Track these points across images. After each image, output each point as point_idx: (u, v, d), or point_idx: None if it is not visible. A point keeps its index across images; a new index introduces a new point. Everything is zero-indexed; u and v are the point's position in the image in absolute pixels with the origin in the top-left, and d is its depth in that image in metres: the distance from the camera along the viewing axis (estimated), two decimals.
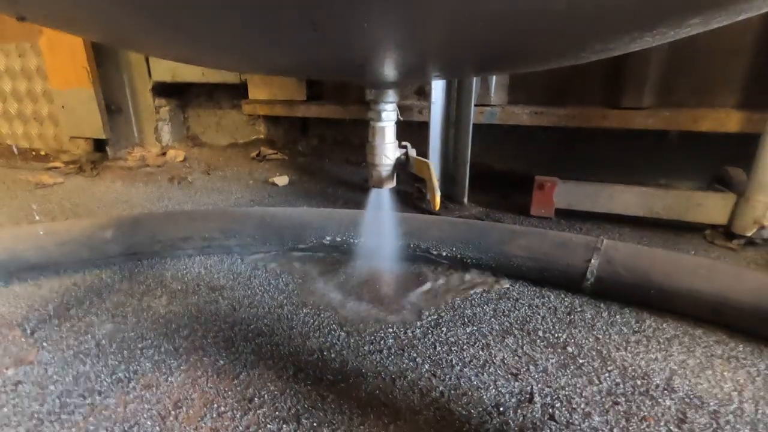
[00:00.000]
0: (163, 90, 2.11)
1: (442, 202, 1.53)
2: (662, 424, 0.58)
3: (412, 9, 0.36)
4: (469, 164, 1.47)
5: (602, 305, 0.87)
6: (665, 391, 0.64)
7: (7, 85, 2.18)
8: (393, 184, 0.75)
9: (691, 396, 0.63)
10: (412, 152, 0.74)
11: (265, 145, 2.15)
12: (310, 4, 0.35)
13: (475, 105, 1.43)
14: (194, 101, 2.24)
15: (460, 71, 0.60)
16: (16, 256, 0.96)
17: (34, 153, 2.21)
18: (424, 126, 1.44)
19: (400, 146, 0.74)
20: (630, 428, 0.58)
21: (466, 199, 1.50)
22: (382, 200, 1.04)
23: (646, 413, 0.60)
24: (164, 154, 2.08)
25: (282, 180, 1.79)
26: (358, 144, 1.98)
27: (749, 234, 1.15)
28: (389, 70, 0.49)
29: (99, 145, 2.10)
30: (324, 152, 2.07)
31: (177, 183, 1.80)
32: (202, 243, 1.07)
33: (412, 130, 1.72)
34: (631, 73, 1.36)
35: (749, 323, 0.76)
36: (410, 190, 1.60)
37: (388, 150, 0.70)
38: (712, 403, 0.62)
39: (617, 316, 0.83)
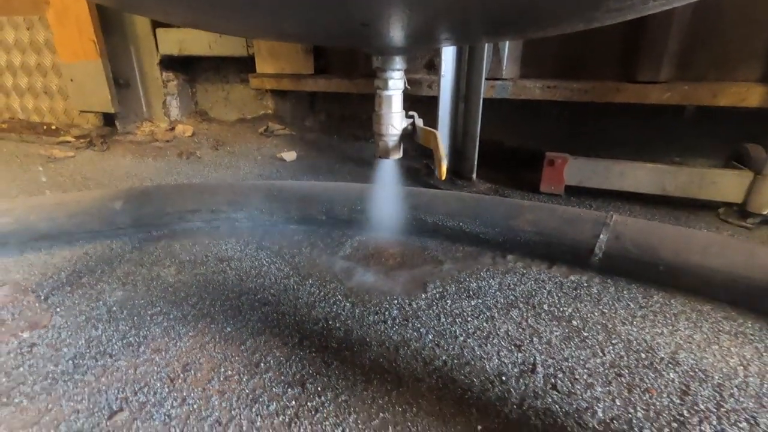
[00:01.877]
0: (170, 64, 2.10)
1: (450, 177, 1.52)
2: (665, 395, 0.58)
3: None
4: (478, 140, 1.44)
5: (609, 281, 0.86)
6: (669, 365, 0.64)
7: (17, 58, 2.18)
8: (399, 154, 0.74)
9: (696, 369, 0.63)
10: (419, 122, 0.73)
11: (273, 120, 2.13)
12: None
13: (486, 78, 1.40)
14: (202, 75, 2.22)
15: (469, 33, 0.58)
16: (29, 227, 0.97)
17: (45, 127, 2.23)
18: (434, 101, 1.41)
19: (407, 116, 0.73)
20: (632, 399, 0.58)
21: (474, 175, 1.49)
22: (389, 174, 1.03)
23: (649, 385, 0.60)
24: (173, 129, 2.08)
25: (290, 155, 1.79)
26: (365, 119, 1.95)
27: (766, 212, 1.12)
28: (395, 32, 0.47)
29: (108, 120, 2.11)
30: (332, 128, 2.05)
31: (186, 158, 1.81)
32: (210, 215, 1.07)
33: (421, 105, 1.69)
34: (648, 45, 1.31)
35: (760, 300, 0.75)
36: (418, 166, 1.58)
37: (395, 119, 0.69)
38: (716, 377, 0.62)
39: (624, 292, 0.83)
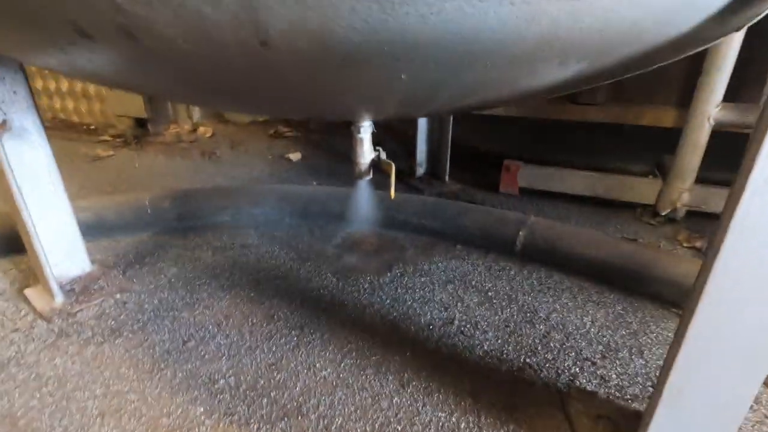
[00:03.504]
0: None
1: (427, 178, 1.84)
2: (530, 338, 0.92)
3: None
4: (449, 147, 1.75)
5: (526, 265, 1.19)
6: (542, 320, 0.97)
7: None
8: (369, 176, 1.06)
9: (559, 324, 0.96)
10: (383, 155, 1.04)
11: (281, 123, 2.45)
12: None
13: None
14: None
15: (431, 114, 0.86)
16: (102, 219, 1.32)
17: (84, 127, 2.57)
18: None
19: (375, 149, 1.04)
20: (509, 339, 0.91)
21: (447, 177, 1.80)
22: (371, 181, 1.36)
23: (524, 333, 0.93)
24: (195, 130, 2.41)
25: (295, 156, 2.11)
26: None
27: (664, 213, 1.43)
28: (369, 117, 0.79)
29: (139, 122, 2.43)
30: (332, 131, 2.37)
31: (208, 157, 2.14)
32: (234, 212, 1.41)
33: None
34: None
35: (620, 279, 1.07)
36: (404, 168, 1.90)
37: (365, 154, 1.00)
38: (570, 328, 0.95)
39: (533, 273, 1.15)
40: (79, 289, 1.04)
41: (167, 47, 0.35)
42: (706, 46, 0.52)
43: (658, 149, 1.65)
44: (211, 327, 0.94)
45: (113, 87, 0.88)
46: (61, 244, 1.03)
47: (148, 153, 2.20)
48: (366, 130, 0.99)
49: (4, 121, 0.89)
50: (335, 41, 0.32)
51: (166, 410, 0.74)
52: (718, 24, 0.43)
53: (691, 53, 0.55)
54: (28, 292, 1.04)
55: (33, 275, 1.12)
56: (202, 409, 0.74)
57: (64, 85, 2.55)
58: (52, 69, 0.56)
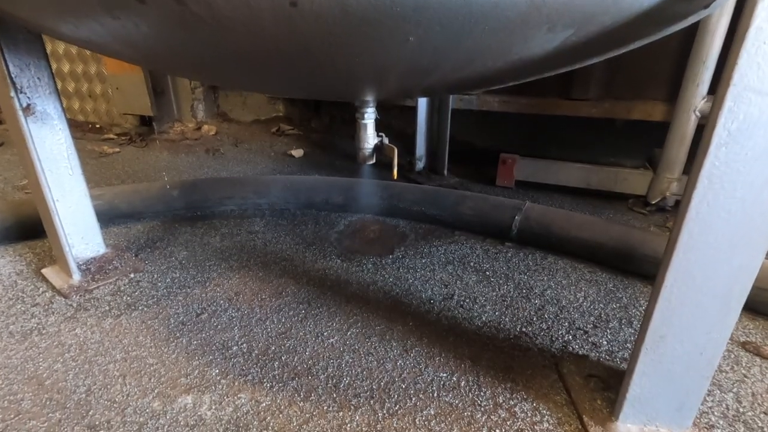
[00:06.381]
0: None
1: (426, 173, 1.89)
2: (526, 311, 0.97)
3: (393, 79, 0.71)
4: (448, 143, 1.81)
5: (522, 248, 1.24)
6: (537, 296, 1.02)
7: (65, 66, 2.56)
8: (373, 160, 1.11)
9: (553, 299, 1.01)
10: (386, 140, 1.10)
11: (284, 121, 2.51)
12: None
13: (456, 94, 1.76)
14: None
15: (433, 95, 0.91)
16: (114, 207, 1.37)
17: (90, 126, 2.62)
18: (414, 109, 1.78)
19: (378, 135, 1.10)
20: (506, 312, 0.96)
21: (446, 171, 1.86)
22: (373, 172, 1.41)
23: (520, 306, 0.98)
24: (199, 128, 2.46)
25: (298, 153, 2.17)
26: None
27: (654, 202, 1.49)
28: (372, 97, 0.85)
29: (144, 120, 2.49)
30: (334, 129, 2.43)
31: (212, 154, 2.19)
32: (240, 201, 1.46)
33: (404, 112, 2.07)
34: (579, 70, 1.66)
35: (611, 260, 1.13)
36: (403, 163, 1.96)
37: (369, 138, 1.06)
38: (564, 302, 1.00)
39: (529, 255, 1.21)
40: (94, 269, 1.08)
41: (210, 13, 0.41)
42: (682, 24, 0.58)
43: (649, 143, 1.71)
44: (222, 302, 0.99)
45: (142, 62, 0.93)
46: (78, 226, 1.07)
47: (153, 150, 2.26)
48: (370, 116, 1.04)
49: (29, 106, 0.94)
50: (354, 1, 0.38)
51: (183, 371, 0.78)
52: None
53: (670, 32, 0.61)
54: (45, 271, 1.08)
55: (49, 257, 1.16)
56: (217, 371, 0.78)
57: (71, 85, 2.60)
58: (88, 43, 0.61)
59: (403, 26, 0.42)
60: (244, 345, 0.85)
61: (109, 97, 2.50)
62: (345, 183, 1.47)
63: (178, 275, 1.10)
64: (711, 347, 0.58)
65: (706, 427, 0.67)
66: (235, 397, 0.73)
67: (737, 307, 0.56)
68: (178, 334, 0.88)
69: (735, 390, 0.75)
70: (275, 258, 1.19)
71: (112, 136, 2.44)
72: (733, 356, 0.83)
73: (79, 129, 2.61)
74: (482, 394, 0.74)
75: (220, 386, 0.75)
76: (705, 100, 1.35)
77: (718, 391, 0.75)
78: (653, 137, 1.71)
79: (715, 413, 0.70)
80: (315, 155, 2.17)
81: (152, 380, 0.76)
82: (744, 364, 0.81)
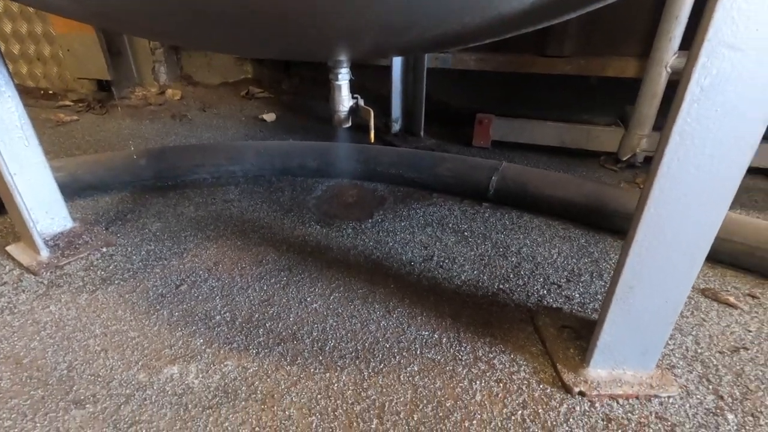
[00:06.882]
0: None
1: (402, 134, 1.87)
2: (503, 268, 1.00)
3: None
4: (424, 103, 1.78)
5: (499, 208, 1.26)
6: (514, 254, 1.05)
7: (7, 26, 2.34)
8: (349, 123, 1.08)
9: (529, 256, 1.05)
10: (361, 102, 1.07)
11: (253, 84, 2.40)
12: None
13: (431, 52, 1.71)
14: None
15: (408, 54, 0.87)
16: (77, 179, 1.30)
17: (42, 92, 2.44)
18: (389, 69, 1.73)
19: (353, 97, 1.07)
20: (484, 270, 0.99)
21: (422, 133, 1.84)
22: (348, 135, 1.38)
23: (497, 264, 1.01)
24: (163, 93, 2.33)
25: (270, 116, 2.09)
26: None
27: (624, 159, 1.53)
28: (346, 56, 0.81)
29: (101, 85, 2.33)
30: (305, 90, 2.34)
31: (179, 120, 2.09)
32: (213, 169, 1.41)
33: (378, 72, 2.01)
34: (555, 27, 1.64)
35: (584, 217, 1.16)
36: (379, 125, 1.92)
37: (344, 101, 1.03)
38: (539, 259, 1.03)
39: (505, 215, 1.23)
40: (63, 244, 1.04)
41: None
42: None
43: (622, 100, 1.73)
44: (201, 272, 0.98)
45: (90, 19, 0.84)
46: (40, 200, 1.02)
47: (115, 117, 2.13)
48: (344, 77, 1.01)
49: None
50: None
51: (167, 342, 0.78)
52: None
53: None
54: (10, 248, 1.04)
55: (12, 234, 1.11)
56: (201, 341, 0.79)
57: (15, 47, 2.39)
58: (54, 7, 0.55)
59: None
60: (227, 314, 0.85)
61: (60, 59, 2.32)
62: (321, 147, 1.44)
63: (153, 247, 1.08)
64: (675, 296, 0.61)
65: (667, 368, 0.73)
66: (222, 365, 0.73)
67: (701, 258, 0.59)
68: (158, 307, 0.87)
69: (694, 333, 0.81)
70: (253, 226, 1.17)
71: (68, 102, 2.28)
72: (693, 302, 0.89)
73: (31, 96, 2.43)
74: (463, 349, 0.77)
75: (205, 355, 0.76)
76: (676, 55, 1.36)
77: (679, 335, 0.80)
78: (626, 94, 1.73)
79: (676, 355, 0.76)
80: (288, 118, 2.10)
81: (135, 353, 0.76)
82: (703, 309, 0.87)
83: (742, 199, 1.32)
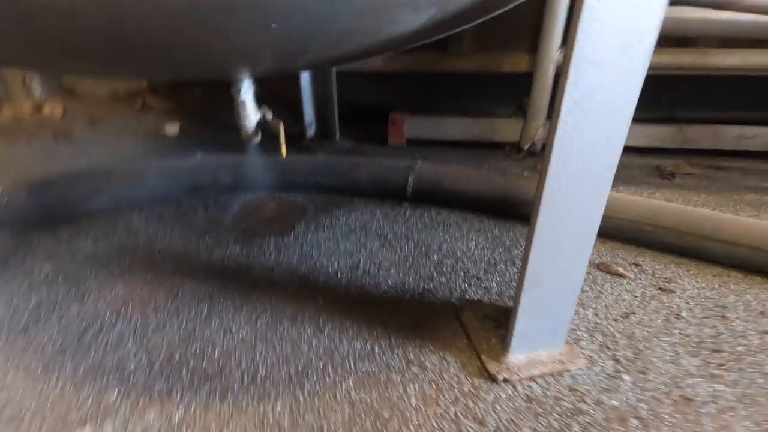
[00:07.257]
0: None
1: (317, 138, 1.85)
2: (427, 267, 1.04)
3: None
4: (337, 106, 1.77)
5: (418, 207, 1.31)
6: (435, 251, 1.10)
7: None
8: (258, 139, 1.05)
9: (449, 252, 1.10)
10: (269, 115, 1.03)
11: (150, 94, 2.21)
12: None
13: None
14: None
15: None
16: None
17: None
18: (297, 74, 1.69)
19: (260, 110, 1.03)
20: (409, 272, 1.02)
21: (337, 135, 1.84)
22: (261, 146, 1.33)
23: (421, 264, 1.05)
24: (40, 109, 2.05)
25: (173, 128, 1.94)
26: None
27: (525, 148, 1.66)
28: (247, 73, 0.77)
29: None
30: (209, 98, 2.21)
31: (63, 140, 1.86)
32: (110, 195, 1.28)
33: (288, 79, 1.95)
34: None
35: (495, 208, 1.25)
36: (293, 132, 1.88)
37: (250, 116, 0.99)
38: (459, 253, 1.09)
39: (425, 213, 1.28)
40: None
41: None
42: None
43: (521, 93, 1.87)
44: (108, 316, 0.89)
45: None
46: None
47: None
48: (247, 91, 0.97)
49: None
50: None
51: (74, 403, 0.70)
52: None
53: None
54: None
55: None
56: (115, 394, 0.72)
57: None
58: None
59: (261, 13, 0.38)
60: (144, 359, 0.78)
61: None
62: (233, 160, 1.37)
63: (45, 294, 0.95)
64: (575, 275, 0.68)
65: (575, 342, 0.82)
66: (142, 418, 0.68)
67: (593, 237, 0.66)
68: (58, 364, 0.77)
69: (593, 306, 0.91)
70: (164, 255, 1.09)
71: None
72: (590, 277, 1.00)
73: None
74: (395, 355, 0.79)
75: (122, 410, 0.69)
76: (559, 51, 1.50)
77: (581, 309, 0.90)
78: (524, 87, 1.87)
79: (581, 328, 0.85)
80: (193, 130, 1.97)
81: (34, 424, 0.67)
82: (599, 282, 0.98)
83: (623, 176, 1.51)
